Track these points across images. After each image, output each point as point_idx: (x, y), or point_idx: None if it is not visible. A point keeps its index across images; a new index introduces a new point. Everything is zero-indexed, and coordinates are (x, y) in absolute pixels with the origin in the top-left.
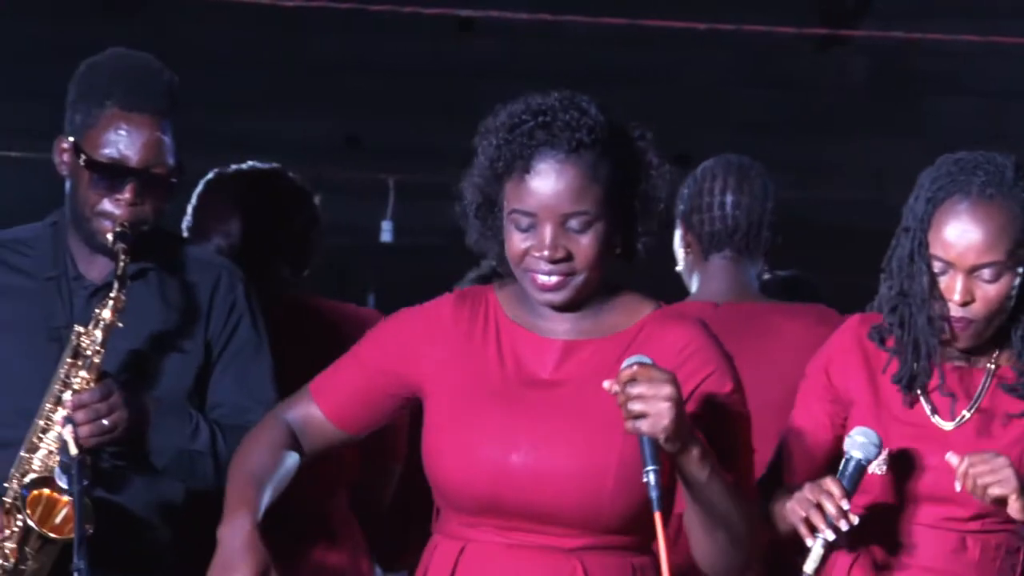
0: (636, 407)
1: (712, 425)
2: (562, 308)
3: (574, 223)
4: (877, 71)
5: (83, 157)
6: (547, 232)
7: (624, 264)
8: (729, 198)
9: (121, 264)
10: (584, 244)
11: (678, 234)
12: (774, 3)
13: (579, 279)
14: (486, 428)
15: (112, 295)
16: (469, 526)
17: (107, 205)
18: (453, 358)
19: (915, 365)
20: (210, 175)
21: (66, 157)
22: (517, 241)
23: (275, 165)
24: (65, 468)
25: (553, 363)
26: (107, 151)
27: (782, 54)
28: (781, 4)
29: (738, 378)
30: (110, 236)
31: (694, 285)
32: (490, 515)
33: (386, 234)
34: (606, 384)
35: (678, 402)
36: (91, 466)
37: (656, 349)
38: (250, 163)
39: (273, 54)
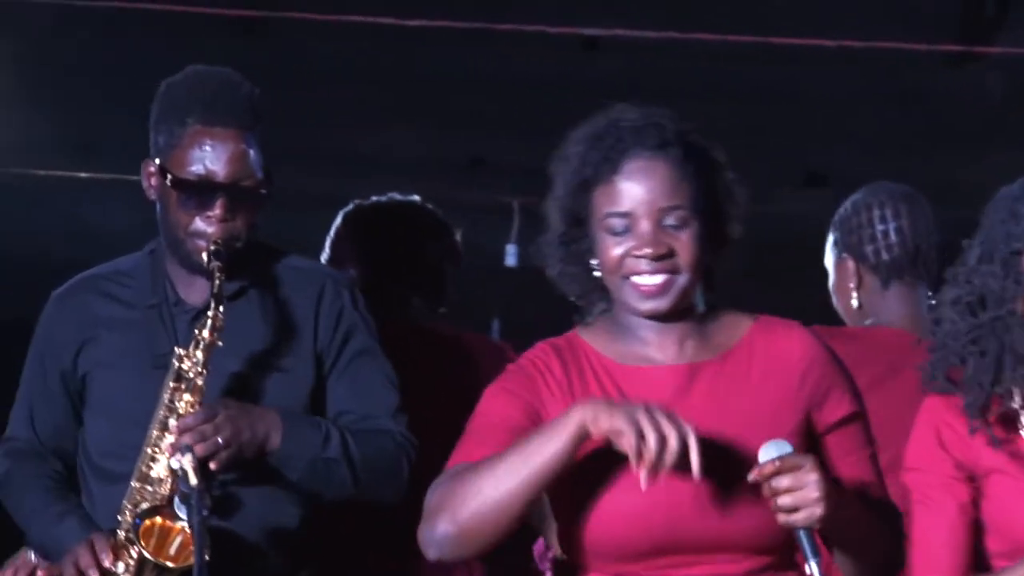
0: (787, 501)
1: (834, 437)
2: (664, 317)
3: (671, 219)
4: (1013, 86)
5: (169, 177)
6: (646, 227)
7: (713, 278)
8: (905, 224)
9: (217, 282)
10: (684, 240)
11: (831, 260)
12: (905, 18)
13: (682, 280)
14: (626, 469)
15: (210, 314)
16: (627, 572)
17: (199, 224)
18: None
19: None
20: (349, 207)
21: (153, 180)
22: (612, 247)
23: (414, 198)
24: (184, 498)
25: (671, 391)
26: (193, 168)
27: (914, 70)
28: (913, 19)
29: (855, 386)
30: (205, 256)
31: (863, 316)
32: (653, 556)
33: (511, 258)
34: (750, 477)
35: (825, 487)
36: (209, 494)
37: (774, 361)
38: (389, 195)
39: (396, 73)
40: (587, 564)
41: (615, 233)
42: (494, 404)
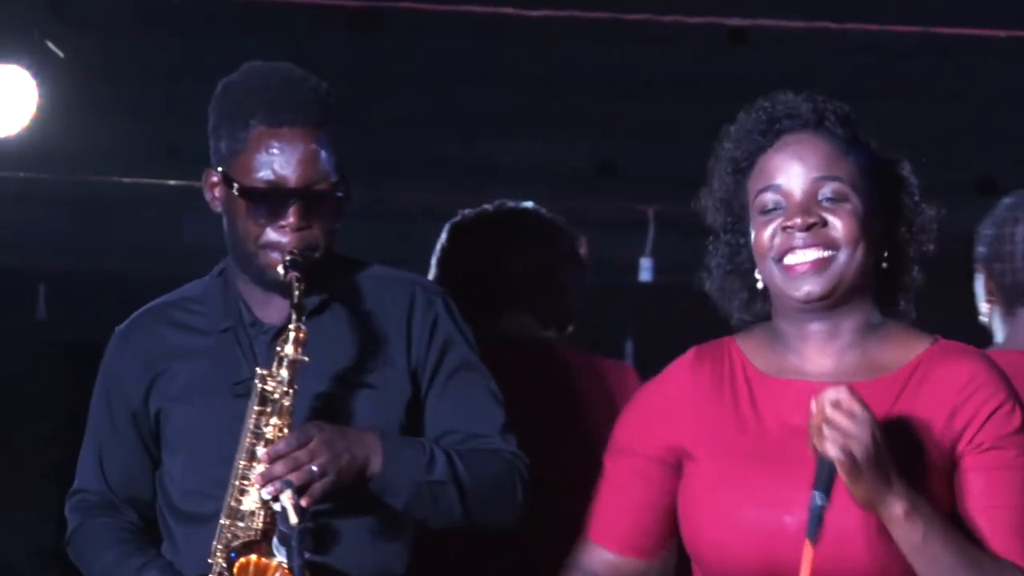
0: (832, 430)
1: (990, 466)
2: (821, 300)
3: (827, 190)
4: None
5: (235, 186)
6: (798, 197)
7: (896, 292)
8: None
9: (296, 294)
10: (841, 214)
11: (979, 278)
12: None
13: (840, 259)
14: (752, 491)
15: (291, 327)
16: None
17: (271, 235)
18: (702, 422)
19: None
20: (456, 218)
21: (217, 191)
22: (764, 228)
23: (527, 204)
24: (284, 539)
25: (807, 410)
26: (261, 175)
27: None
28: None
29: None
30: (280, 268)
31: (999, 334)
32: None
33: (645, 272)
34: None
35: (876, 439)
36: (310, 532)
37: (935, 388)
38: (499, 202)
39: (518, 70)
40: None
41: (767, 211)
42: (615, 445)
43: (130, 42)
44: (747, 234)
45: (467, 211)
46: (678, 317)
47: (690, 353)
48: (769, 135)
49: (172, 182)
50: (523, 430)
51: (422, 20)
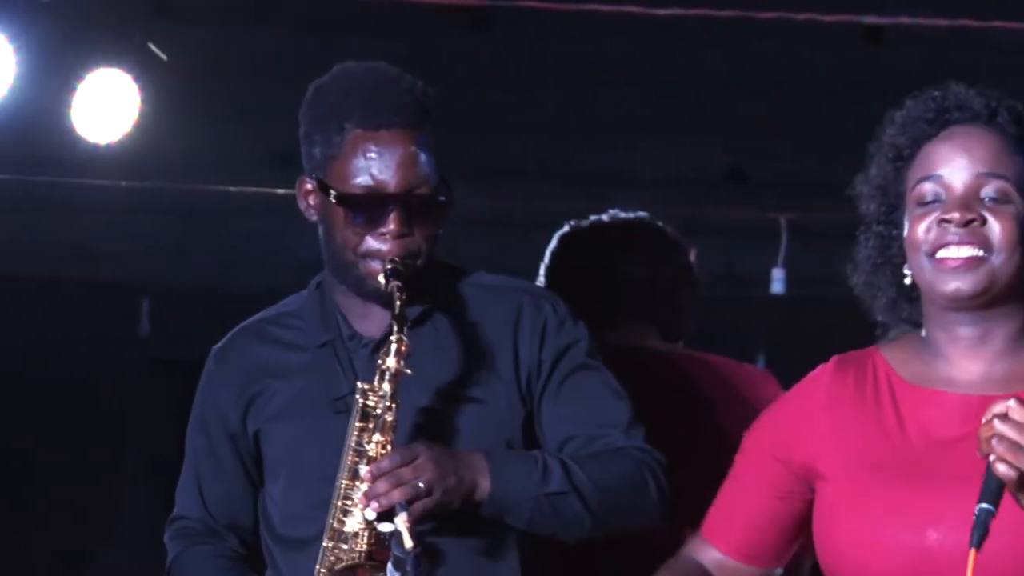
0: (1002, 442)
1: None
2: (971, 299)
3: (990, 189)
4: None
5: (332, 193)
6: (958, 192)
7: None
8: None
9: (398, 303)
10: (1002, 216)
11: None
12: None
13: (994, 263)
14: (895, 506)
15: (393, 338)
16: None
17: (371, 243)
18: (842, 434)
19: None
20: (565, 228)
21: (312, 199)
22: (919, 220)
23: (641, 214)
24: (399, 564)
25: (956, 423)
26: (358, 180)
27: None
28: None
29: None
30: (381, 278)
31: None
32: None
33: (777, 284)
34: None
35: None
36: (426, 556)
37: None
38: (612, 212)
39: (641, 71)
40: None
41: (924, 203)
42: (745, 449)
43: (239, 41)
44: (900, 226)
45: (578, 221)
46: (813, 332)
47: (832, 361)
48: (936, 124)
49: (283, 191)
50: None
51: (542, 20)
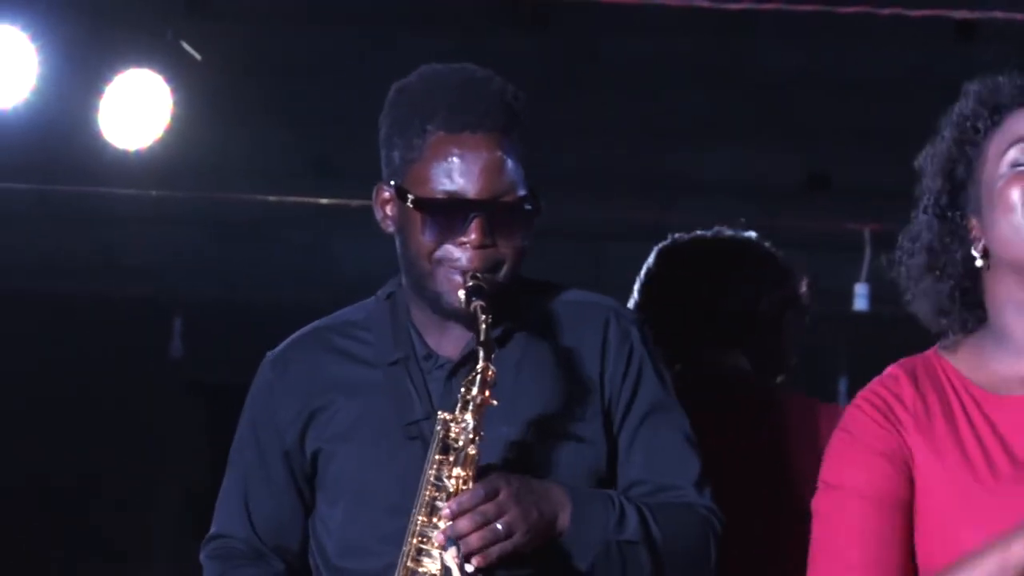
0: None
1: None
2: None
3: None
4: None
5: (410, 198)
6: None
7: None
8: None
9: (483, 327)
10: None
11: None
12: None
13: None
14: (981, 524)
15: (479, 366)
16: None
17: (450, 252)
18: (924, 447)
19: None
20: (666, 241)
21: (389, 208)
22: (1014, 183)
23: (749, 234)
24: None
25: None
26: (438, 185)
27: None
28: None
29: None
30: (462, 294)
31: None
32: None
33: (861, 300)
34: None
35: None
36: None
37: None
38: (717, 229)
39: (715, 71)
40: None
41: (1018, 164)
42: (845, 476)
43: (278, 40)
44: (962, 208)
45: (680, 235)
46: (898, 352)
47: (898, 368)
48: (1021, 96)
49: (325, 200)
50: (726, 485)
51: (605, 16)
